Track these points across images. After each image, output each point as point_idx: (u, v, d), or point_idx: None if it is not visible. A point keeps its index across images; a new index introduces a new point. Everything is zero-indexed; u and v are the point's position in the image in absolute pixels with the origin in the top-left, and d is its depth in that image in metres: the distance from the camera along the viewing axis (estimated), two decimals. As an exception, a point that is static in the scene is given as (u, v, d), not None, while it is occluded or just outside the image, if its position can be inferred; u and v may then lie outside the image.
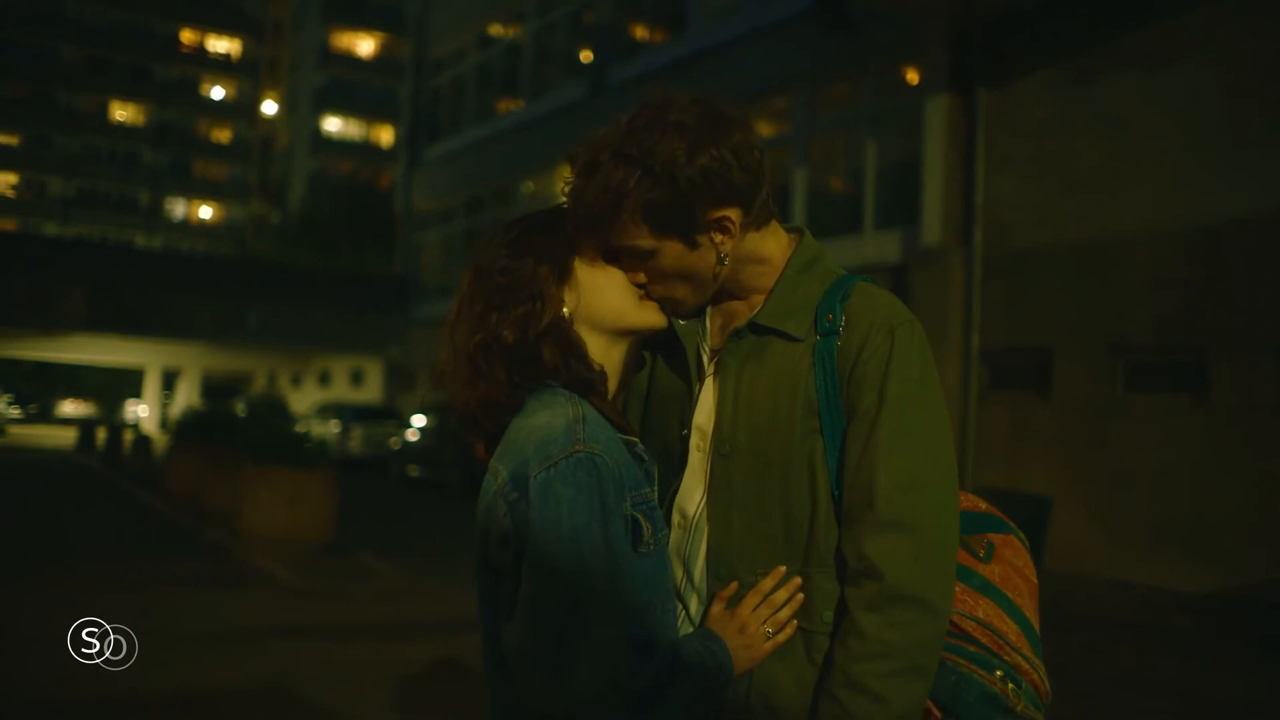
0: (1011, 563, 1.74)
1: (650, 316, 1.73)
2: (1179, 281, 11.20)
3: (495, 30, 27.54)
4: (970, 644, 1.65)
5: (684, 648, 1.61)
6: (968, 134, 13.52)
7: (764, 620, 1.67)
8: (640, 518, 1.61)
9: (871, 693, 1.55)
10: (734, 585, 1.70)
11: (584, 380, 1.67)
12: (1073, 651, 8.17)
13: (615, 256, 1.72)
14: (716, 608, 1.70)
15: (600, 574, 1.52)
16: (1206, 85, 11.15)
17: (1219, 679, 7.70)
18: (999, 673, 1.63)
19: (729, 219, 1.66)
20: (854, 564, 1.62)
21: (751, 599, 1.68)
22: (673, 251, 1.66)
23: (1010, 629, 1.67)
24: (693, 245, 1.66)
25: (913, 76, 14.85)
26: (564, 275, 1.69)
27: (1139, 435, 11.43)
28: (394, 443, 25.15)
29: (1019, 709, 1.63)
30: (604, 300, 1.71)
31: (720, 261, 1.69)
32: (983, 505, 1.79)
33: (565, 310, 1.69)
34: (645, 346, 1.86)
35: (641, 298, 1.72)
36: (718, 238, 1.67)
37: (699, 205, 1.63)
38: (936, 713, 1.64)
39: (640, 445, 1.70)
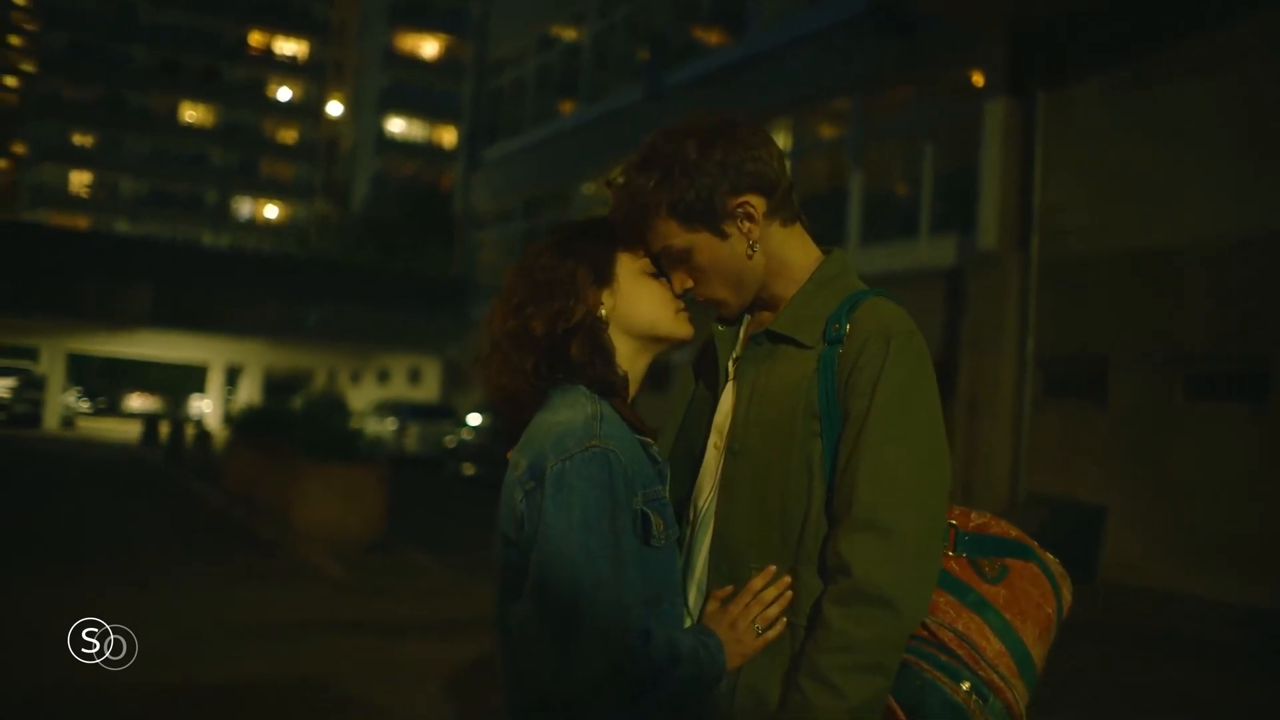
0: (1023, 589, 1.76)
1: (682, 328, 1.84)
2: (1238, 289, 10.98)
3: (555, 32, 27.68)
4: (942, 653, 1.68)
5: (680, 640, 1.67)
6: (1025, 139, 13.35)
7: (754, 618, 1.72)
8: (651, 513, 1.69)
9: (830, 684, 1.61)
10: (729, 588, 1.77)
11: (607, 382, 1.76)
12: (1124, 666, 8.06)
13: (661, 269, 1.83)
14: (712, 605, 1.77)
15: (605, 563, 1.60)
16: (1266, 91, 10.93)
17: (1273, 697, 7.55)
18: (966, 685, 1.66)
19: (750, 204, 1.78)
20: (831, 561, 1.68)
21: (743, 597, 1.74)
22: (705, 245, 1.78)
23: (992, 646, 1.69)
24: (722, 235, 1.78)
25: (971, 80, 14.70)
26: (603, 278, 1.79)
27: (1196, 446, 11.22)
28: (449, 441, 25.38)
29: None
30: (640, 307, 1.80)
31: (751, 249, 1.79)
32: (1013, 532, 1.81)
33: (602, 312, 1.78)
34: (697, 362, 2.01)
35: (678, 311, 1.83)
36: (744, 225, 1.79)
37: (719, 194, 1.76)
38: (901, 715, 1.67)
39: (654, 446, 1.79)
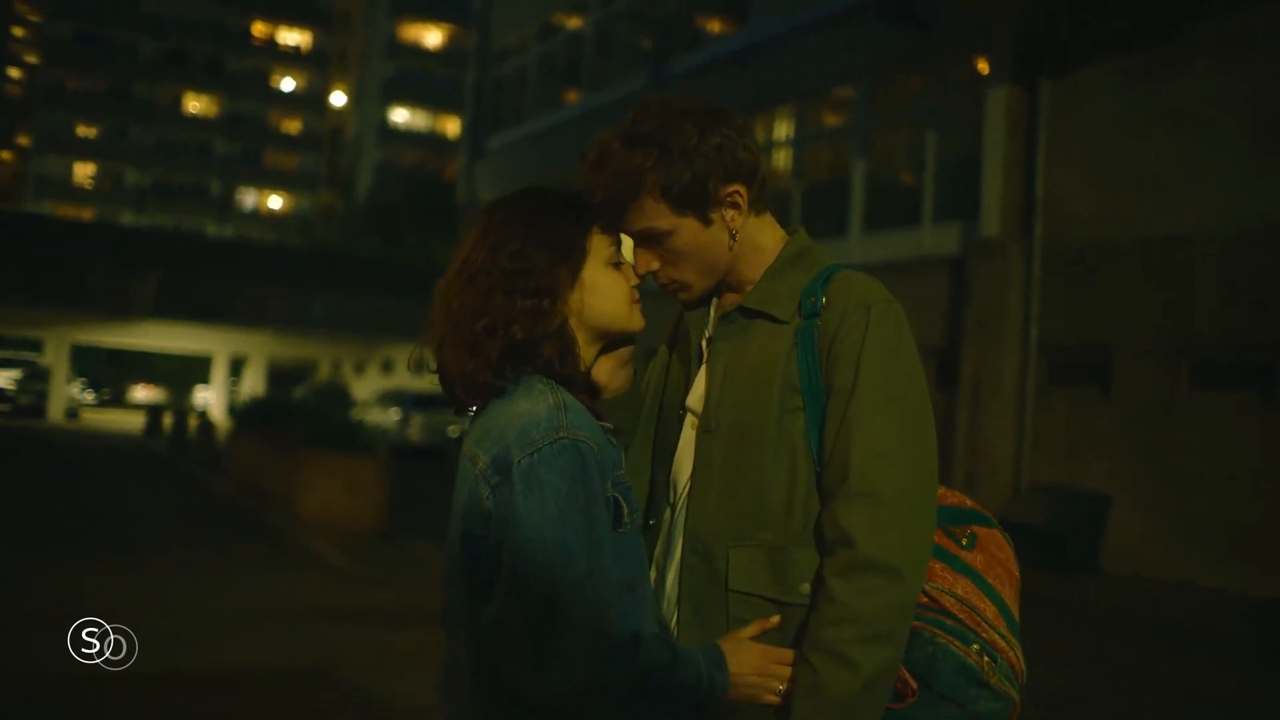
0: (993, 554, 1.78)
1: (635, 321, 1.79)
2: (1246, 278, 10.93)
3: (558, 20, 27.60)
4: (948, 618, 1.69)
5: (684, 658, 1.60)
6: (1029, 127, 13.31)
7: (782, 678, 1.66)
8: (620, 498, 1.65)
9: (842, 657, 1.59)
10: (776, 619, 1.70)
11: (569, 377, 1.70)
12: (1129, 658, 8.05)
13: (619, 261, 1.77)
14: (753, 629, 1.70)
15: (583, 559, 1.54)
16: (1271, 82, 10.87)
17: (1274, 689, 7.52)
18: (975, 647, 1.67)
19: (739, 194, 1.77)
20: (830, 534, 1.67)
21: (790, 653, 1.66)
22: (689, 230, 1.76)
23: (988, 608, 1.71)
24: (707, 222, 1.77)
25: (975, 69, 14.64)
26: (576, 275, 1.72)
27: (1203, 435, 11.18)
28: (452, 431, 25.38)
29: (993, 681, 1.67)
30: (602, 303, 1.74)
31: (732, 238, 1.79)
32: (969, 502, 1.84)
33: (566, 309, 1.72)
34: (670, 341, 1.98)
35: (633, 303, 1.78)
36: (729, 214, 1.78)
37: (712, 181, 1.74)
38: (912, 683, 1.66)
39: (613, 432, 1.73)
